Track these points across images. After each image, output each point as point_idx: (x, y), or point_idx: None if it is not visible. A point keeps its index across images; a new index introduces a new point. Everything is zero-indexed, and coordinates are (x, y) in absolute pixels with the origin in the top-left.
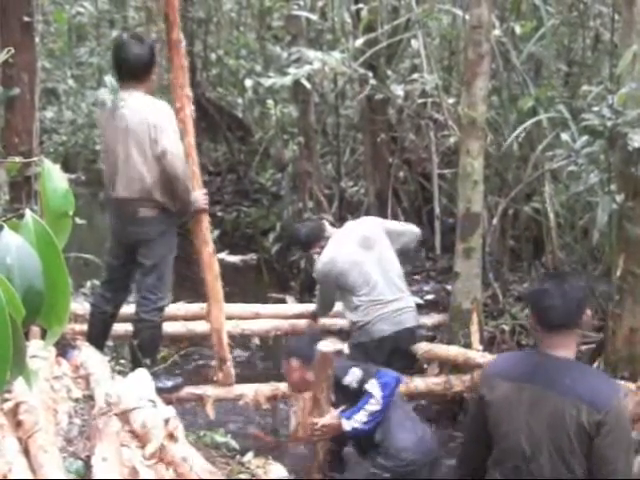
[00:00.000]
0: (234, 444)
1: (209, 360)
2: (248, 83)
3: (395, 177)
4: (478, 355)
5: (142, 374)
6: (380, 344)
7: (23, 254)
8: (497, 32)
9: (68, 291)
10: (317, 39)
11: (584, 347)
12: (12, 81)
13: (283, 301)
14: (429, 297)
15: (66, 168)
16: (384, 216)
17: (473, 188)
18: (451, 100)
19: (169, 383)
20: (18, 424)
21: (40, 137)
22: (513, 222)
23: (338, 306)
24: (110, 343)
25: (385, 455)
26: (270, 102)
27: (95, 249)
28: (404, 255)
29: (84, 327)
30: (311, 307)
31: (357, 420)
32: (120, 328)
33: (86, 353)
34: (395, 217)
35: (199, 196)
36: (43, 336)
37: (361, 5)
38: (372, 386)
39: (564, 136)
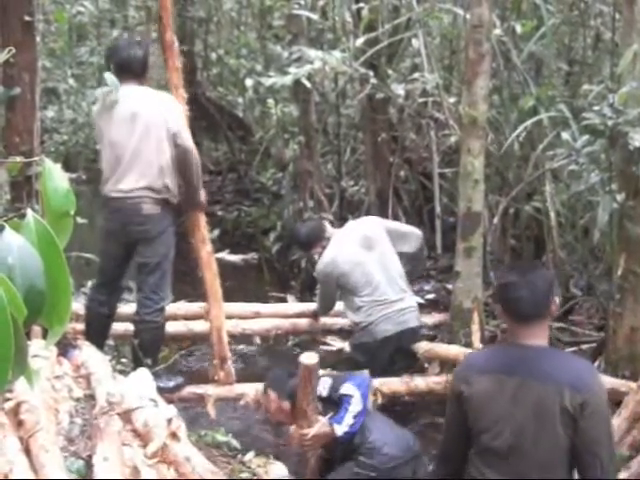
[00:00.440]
0: (235, 443)
1: (210, 359)
2: (249, 82)
3: (396, 176)
4: None
5: (143, 373)
6: (383, 344)
7: (24, 254)
8: (498, 31)
9: (69, 291)
10: (318, 38)
11: (585, 346)
12: (13, 81)
13: (284, 300)
14: (430, 296)
15: (67, 167)
16: (385, 215)
17: (474, 187)
18: (452, 99)
19: (170, 383)
20: (19, 423)
21: (41, 136)
22: (514, 221)
23: (339, 305)
24: (111, 342)
25: (367, 454)
26: (271, 101)
27: (96, 248)
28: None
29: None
30: (312, 306)
31: (347, 423)
32: (120, 327)
33: (87, 352)
34: (396, 216)
35: (201, 191)
36: (44, 336)
37: (362, 4)
38: (347, 388)
39: (565, 135)
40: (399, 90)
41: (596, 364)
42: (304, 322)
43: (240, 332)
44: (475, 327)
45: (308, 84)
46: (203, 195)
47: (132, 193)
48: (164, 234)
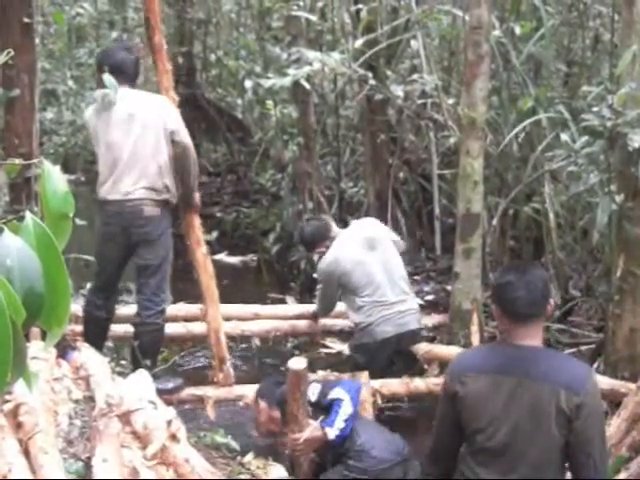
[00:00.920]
0: (234, 445)
1: (209, 361)
2: (248, 84)
3: (395, 178)
4: None
5: (142, 375)
6: (383, 345)
7: (23, 256)
8: (497, 32)
9: (68, 292)
10: (317, 40)
11: (584, 347)
12: (12, 82)
13: (283, 302)
14: (429, 297)
15: (66, 169)
16: (384, 217)
17: (473, 188)
18: (451, 100)
19: (169, 384)
20: (18, 425)
21: (40, 138)
22: (513, 222)
23: (339, 307)
24: (110, 344)
25: (356, 457)
26: (270, 103)
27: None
28: None
29: None
30: (311, 308)
31: (338, 427)
32: (119, 329)
33: (86, 354)
34: (395, 218)
35: (196, 193)
36: (43, 337)
37: (361, 6)
38: (337, 392)
39: (564, 136)
40: (398, 91)
41: (595, 365)
42: (303, 324)
43: (239, 333)
44: (474, 328)
45: (307, 85)
46: (198, 197)
47: (132, 195)
48: (163, 236)
